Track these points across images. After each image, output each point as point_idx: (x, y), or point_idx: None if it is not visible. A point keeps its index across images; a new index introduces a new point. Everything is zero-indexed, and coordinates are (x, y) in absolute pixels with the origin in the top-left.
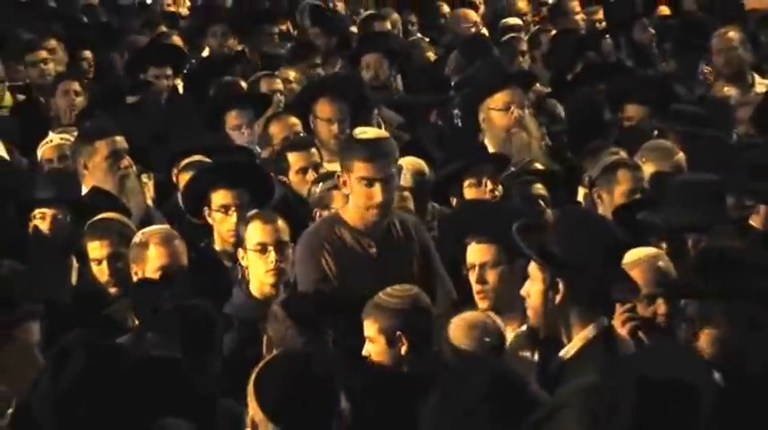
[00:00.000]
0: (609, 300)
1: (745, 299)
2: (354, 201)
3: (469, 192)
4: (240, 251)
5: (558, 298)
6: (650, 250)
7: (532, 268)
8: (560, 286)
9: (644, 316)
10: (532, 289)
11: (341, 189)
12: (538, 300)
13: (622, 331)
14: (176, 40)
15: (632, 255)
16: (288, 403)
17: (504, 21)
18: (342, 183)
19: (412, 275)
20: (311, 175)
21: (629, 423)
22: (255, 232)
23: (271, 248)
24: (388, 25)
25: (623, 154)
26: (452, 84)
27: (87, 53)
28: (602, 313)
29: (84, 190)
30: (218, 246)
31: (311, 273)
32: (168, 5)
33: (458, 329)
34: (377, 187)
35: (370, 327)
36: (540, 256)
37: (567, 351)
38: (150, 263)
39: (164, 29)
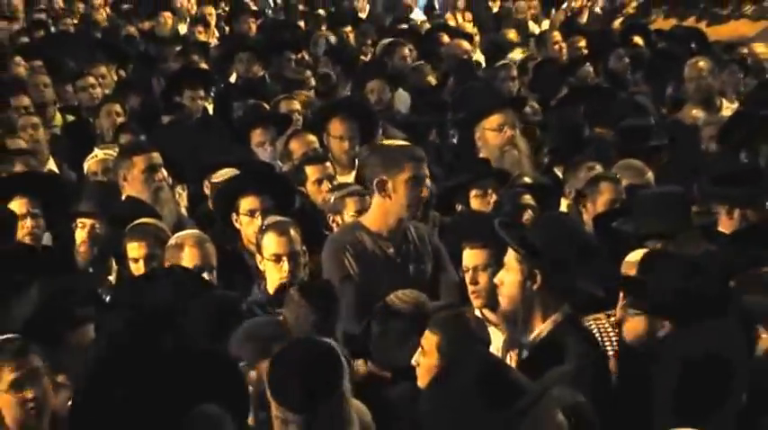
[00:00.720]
0: (575, 290)
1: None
2: (396, 202)
3: (475, 202)
4: (258, 256)
5: (534, 286)
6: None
7: (510, 259)
8: (538, 277)
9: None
10: (508, 278)
11: (377, 193)
12: (514, 289)
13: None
14: (206, 66)
15: (633, 256)
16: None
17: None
18: (383, 186)
19: (425, 275)
20: (326, 186)
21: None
22: (271, 244)
23: (284, 258)
24: (406, 51)
25: (599, 168)
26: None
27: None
28: (566, 301)
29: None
30: (242, 246)
31: (335, 272)
32: (199, 33)
33: None
34: (423, 187)
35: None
36: (522, 248)
37: (537, 334)
38: (184, 262)
39: (195, 57)
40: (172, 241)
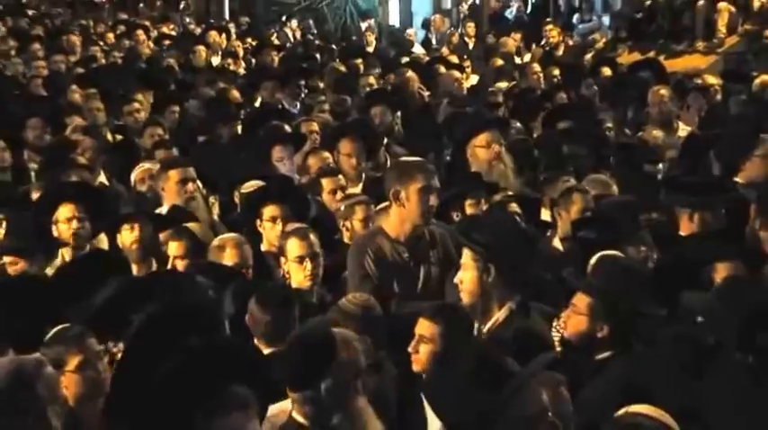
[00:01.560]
0: (526, 281)
1: None
2: (410, 210)
3: (470, 210)
4: (282, 258)
5: (489, 279)
6: (616, 253)
7: (466, 259)
8: (492, 270)
9: None
10: (466, 276)
11: (393, 202)
12: (473, 284)
13: None
14: (235, 93)
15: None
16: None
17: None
18: (397, 196)
19: (435, 276)
20: (339, 195)
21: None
22: (294, 247)
23: (307, 259)
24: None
25: (573, 181)
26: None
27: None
28: (518, 291)
29: (165, 206)
30: (264, 248)
31: (356, 271)
32: (229, 64)
33: None
34: (433, 195)
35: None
36: (478, 246)
37: (495, 322)
38: (225, 261)
39: (225, 85)
40: (215, 242)
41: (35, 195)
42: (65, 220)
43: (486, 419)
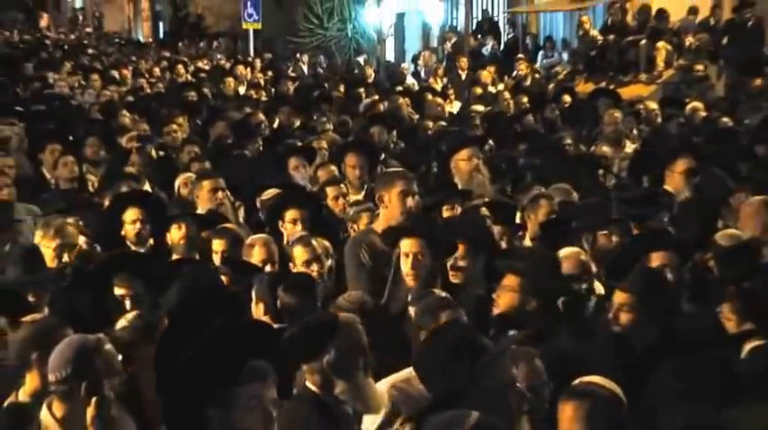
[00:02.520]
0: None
1: None
2: (392, 211)
3: (446, 214)
4: (291, 264)
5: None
6: (576, 249)
7: (510, 282)
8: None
9: None
10: (506, 297)
11: (379, 205)
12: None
13: None
14: (258, 116)
15: (565, 252)
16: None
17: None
18: (381, 199)
19: None
20: (341, 200)
21: None
22: (300, 254)
23: (313, 262)
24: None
25: (541, 189)
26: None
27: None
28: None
29: (199, 210)
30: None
31: (352, 262)
32: (253, 93)
33: None
34: (410, 198)
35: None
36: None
37: None
38: (255, 257)
39: (249, 110)
40: (248, 241)
41: (106, 201)
42: (131, 222)
43: (463, 389)
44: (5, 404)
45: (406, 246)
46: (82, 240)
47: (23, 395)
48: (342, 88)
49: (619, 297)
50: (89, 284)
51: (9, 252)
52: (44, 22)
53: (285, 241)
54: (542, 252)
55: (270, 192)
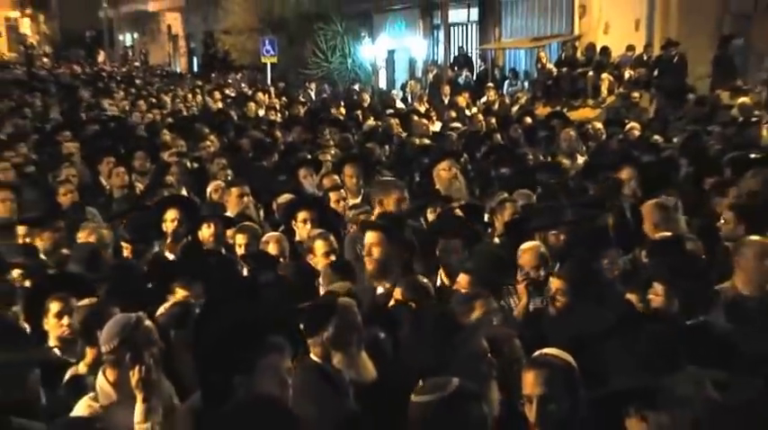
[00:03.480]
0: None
1: None
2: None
3: (430, 216)
4: (311, 255)
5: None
6: (536, 242)
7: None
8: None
9: (534, 279)
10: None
11: (377, 207)
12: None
13: (521, 287)
14: (276, 134)
15: (525, 245)
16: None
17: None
18: (381, 203)
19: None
20: (341, 204)
21: None
22: (321, 246)
23: (331, 253)
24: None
25: (506, 194)
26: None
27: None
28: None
29: (228, 212)
30: (297, 240)
31: (350, 255)
32: (271, 115)
33: None
34: (403, 203)
35: None
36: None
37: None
38: (270, 251)
39: (267, 129)
40: (264, 239)
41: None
42: (171, 221)
43: (444, 360)
44: (68, 376)
45: (367, 237)
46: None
47: (83, 366)
48: (343, 111)
49: (555, 283)
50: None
51: (75, 249)
52: (101, 57)
53: (297, 237)
54: (489, 252)
55: (284, 197)
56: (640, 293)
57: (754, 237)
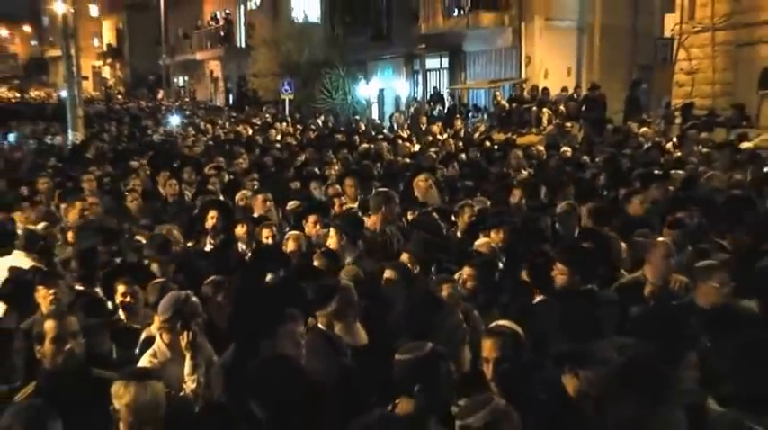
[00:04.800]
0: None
1: None
2: (384, 216)
3: (410, 217)
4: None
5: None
6: (488, 239)
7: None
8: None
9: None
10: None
11: (374, 211)
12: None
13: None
14: (293, 154)
15: (480, 241)
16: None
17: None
18: (379, 208)
19: (393, 251)
20: (343, 208)
21: None
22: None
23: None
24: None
25: (470, 201)
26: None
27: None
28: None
29: (255, 214)
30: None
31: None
32: (287, 139)
33: None
34: (395, 209)
35: None
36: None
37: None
38: (289, 247)
39: (286, 149)
40: (286, 236)
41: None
42: (210, 219)
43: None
44: (143, 336)
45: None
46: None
47: (154, 328)
48: (344, 136)
49: (465, 271)
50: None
51: (152, 238)
52: (160, 95)
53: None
54: (422, 236)
55: (294, 203)
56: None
57: (663, 239)
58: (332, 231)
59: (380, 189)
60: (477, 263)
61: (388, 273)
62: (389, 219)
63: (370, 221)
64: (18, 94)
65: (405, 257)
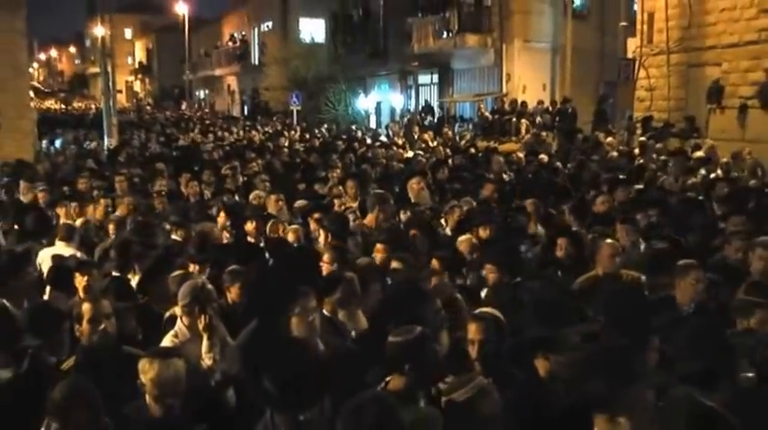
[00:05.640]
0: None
1: None
2: (380, 216)
3: (402, 217)
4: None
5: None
6: (469, 236)
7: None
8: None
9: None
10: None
11: (372, 210)
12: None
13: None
14: (300, 158)
15: (462, 238)
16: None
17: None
18: (373, 208)
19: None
20: (343, 207)
21: None
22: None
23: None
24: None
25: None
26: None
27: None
28: None
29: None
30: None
31: (351, 242)
32: (296, 145)
33: None
34: (392, 208)
35: None
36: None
37: None
38: (290, 237)
39: (295, 154)
40: (287, 229)
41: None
42: (222, 218)
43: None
44: (167, 315)
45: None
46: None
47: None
48: (345, 143)
49: (434, 263)
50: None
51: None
52: (183, 105)
53: (311, 229)
54: (394, 229)
55: (301, 202)
56: None
57: (609, 241)
58: (321, 230)
59: (377, 191)
60: (446, 257)
61: (394, 264)
62: (385, 217)
63: (368, 219)
64: (63, 106)
65: (380, 247)
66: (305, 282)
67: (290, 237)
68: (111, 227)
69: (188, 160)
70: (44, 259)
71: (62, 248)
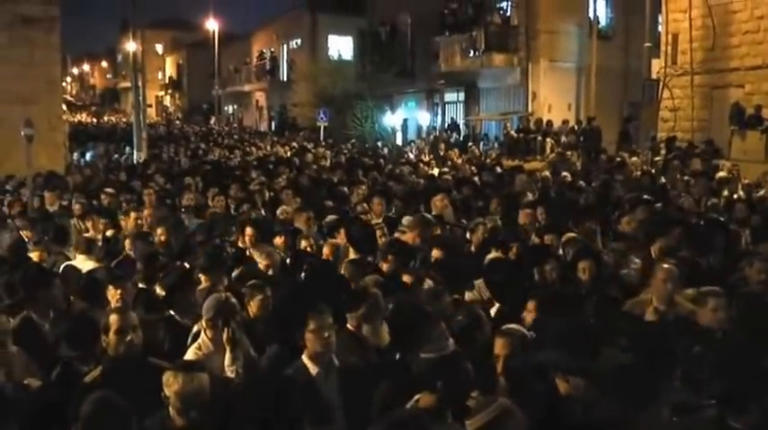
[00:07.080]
0: None
1: None
2: (419, 235)
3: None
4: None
5: None
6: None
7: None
8: None
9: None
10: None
11: (409, 230)
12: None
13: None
14: (330, 174)
15: (492, 254)
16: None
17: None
18: (416, 227)
19: None
20: (371, 222)
21: None
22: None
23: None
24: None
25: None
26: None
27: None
28: None
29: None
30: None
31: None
32: (321, 161)
33: None
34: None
35: None
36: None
37: None
38: (325, 252)
39: (321, 170)
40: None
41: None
42: (248, 235)
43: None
44: (194, 330)
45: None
46: None
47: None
48: (371, 159)
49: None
50: None
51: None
52: (212, 121)
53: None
54: (398, 244)
55: (330, 218)
56: None
57: (666, 266)
58: (350, 246)
59: (422, 214)
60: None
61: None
62: (423, 240)
63: (407, 237)
64: (95, 119)
65: (386, 262)
66: (331, 297)
67: (325, 252)
68: (127, 242)
69: (216, 174)
70: (65, 271)
71: (82, 262)
